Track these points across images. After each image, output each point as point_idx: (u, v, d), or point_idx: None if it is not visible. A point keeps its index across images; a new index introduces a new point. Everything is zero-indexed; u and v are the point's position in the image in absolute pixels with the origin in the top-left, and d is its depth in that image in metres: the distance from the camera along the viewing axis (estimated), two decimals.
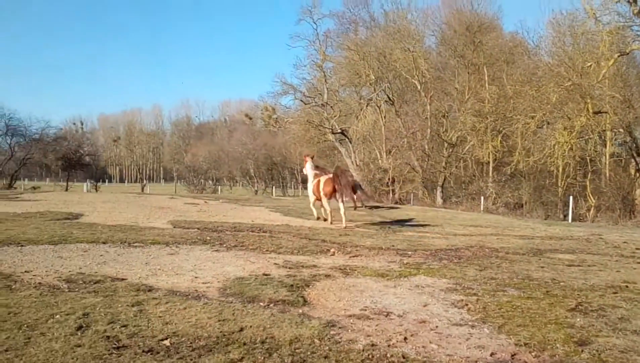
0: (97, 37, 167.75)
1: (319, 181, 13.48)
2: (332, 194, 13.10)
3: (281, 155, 59.16)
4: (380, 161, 37.66)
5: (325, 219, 13.83)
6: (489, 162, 35.31)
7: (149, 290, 5.26)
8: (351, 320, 4.52)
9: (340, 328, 4.26)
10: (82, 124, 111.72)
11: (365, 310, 4.91)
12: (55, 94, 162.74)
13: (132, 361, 3.35)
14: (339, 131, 39.45)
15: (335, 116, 39.58)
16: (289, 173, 63.11)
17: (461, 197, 33.89)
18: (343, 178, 12.89)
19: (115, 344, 3.63)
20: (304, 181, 21.63)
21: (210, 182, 59.89)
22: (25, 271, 6.03)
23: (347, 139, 39.72)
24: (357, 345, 3.81)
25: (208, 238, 9.58)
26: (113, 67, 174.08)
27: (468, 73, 36.40)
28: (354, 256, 8.27)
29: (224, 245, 8.80)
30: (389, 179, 35.51)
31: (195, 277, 6.09)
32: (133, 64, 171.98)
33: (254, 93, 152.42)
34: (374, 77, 38.57)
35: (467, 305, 5.19)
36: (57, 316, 4.19)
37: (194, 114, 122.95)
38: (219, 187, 60.33)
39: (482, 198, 30.29)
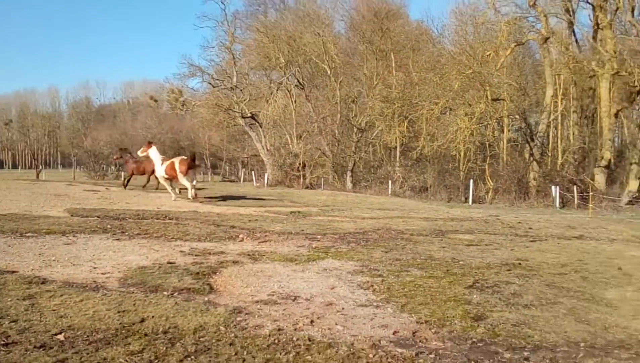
0: None
1: (172, 162, 15.96)
2: (187, 172, 15.65)
3: (189, 139, 57.53)
4: (291, 145, 37.71)
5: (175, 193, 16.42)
6: (396, 147, 36.31)
7: (42, 283, 4.94)
8: (258, 306, 4.50)
9: (246, 314, 4.22)
10: None
11: (273, 295, 4.90)
12: None
13: (22, 357, 3.14)
14: (249, 115, 38.95)
15: (245, 100, 39.00)
16: (197, 157, 61.75)
17: (370, 181, 34.66)
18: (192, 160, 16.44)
19: (3, 340, 3.40)
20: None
21: (112, 168, 57.31)
22: None
23: (257, 124, 39.33)
24: (263, 331, 3.79)
25: (109, 226, 9.14)
26: (2, 46, 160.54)
27: (376, 59, 37.15)
28: (263, 242, 8.24)
29: (126, 234, 8.46)
30: (299, 164, 35.69)
31: (94, 267, 5.80)
32: (26, 43, 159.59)
33: (159, 74, 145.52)
34: (284, 61, 38.38)
35: (372, 286, 5.32)
36: None
37: (94, 96, 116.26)
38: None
39: (389, 182, 31.16)
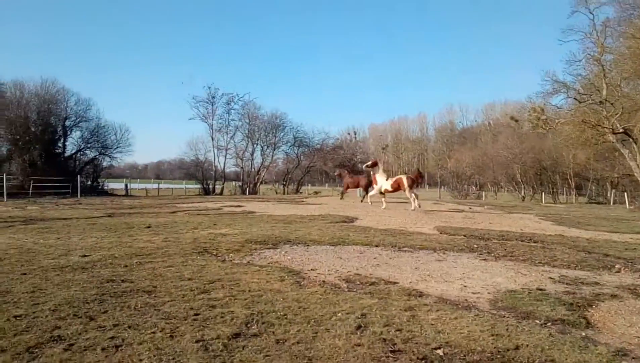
0: (380, 58, 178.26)
1: (400, 178, 19.44)
2: (412, 187, 18.88)
3: (551, 159, 54.94)
4: None
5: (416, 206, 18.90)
6: None
7: (420, 296, 5.36)
8: None
9: (633, 358, 3.74)
10: (355, 133, 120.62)
11: None
12: (334, 109, 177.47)
13: None
14: (621, 130, 34.93)
15: (616, 114, 35.17)
16: (560, 177, 58.27)
17: None
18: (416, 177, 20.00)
19: (391, 347, 3.77)
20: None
21: (474, 188, 58.99)
22: (311, 269, 6.74)
23: (631, 140, 34.95)
24: None
25: (475, 246, 9.40)
26: (383, 78, 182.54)
27: None
28: None
29: (492, 254, 8.53)
30: None
31: (464, 286, 6.01)
32: (399, 74, 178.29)
33: (520, 94, 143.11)
34: None
35: None
36: (339, 314, 4.55)
37: (457, 120, 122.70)
38: (483, 193, 58.94)
39: None
